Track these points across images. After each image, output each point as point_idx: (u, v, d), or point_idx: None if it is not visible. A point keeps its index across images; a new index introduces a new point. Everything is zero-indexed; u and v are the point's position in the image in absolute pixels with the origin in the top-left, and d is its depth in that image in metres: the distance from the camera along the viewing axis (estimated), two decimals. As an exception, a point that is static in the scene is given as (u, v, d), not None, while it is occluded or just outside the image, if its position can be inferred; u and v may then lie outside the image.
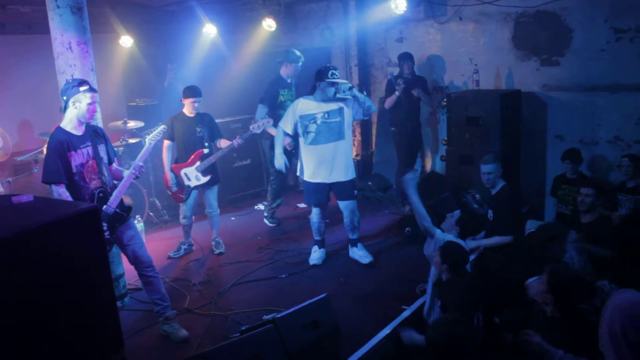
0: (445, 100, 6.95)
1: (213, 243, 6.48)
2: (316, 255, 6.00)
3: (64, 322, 2.43)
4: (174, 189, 6.04)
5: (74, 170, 4.10)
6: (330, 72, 5.44)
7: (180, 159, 6.06)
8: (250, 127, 6.09)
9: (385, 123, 8.22)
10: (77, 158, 4.12)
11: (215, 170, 6.17)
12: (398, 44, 8.10)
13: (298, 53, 6.85)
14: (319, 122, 5.54)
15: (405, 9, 7.16)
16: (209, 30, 8.22)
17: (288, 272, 5.83)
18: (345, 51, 8.57)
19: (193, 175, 6.02)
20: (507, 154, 6.26)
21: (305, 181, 5.80)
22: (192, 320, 4.91)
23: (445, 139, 6.84)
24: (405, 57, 7.29)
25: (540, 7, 6.63)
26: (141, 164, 4.45)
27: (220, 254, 6.40)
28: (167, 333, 4.63)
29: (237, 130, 7.96)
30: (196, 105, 5.98)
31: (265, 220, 7.36)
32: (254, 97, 8.46)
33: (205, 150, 6.03)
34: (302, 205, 7.75)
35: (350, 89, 5.41)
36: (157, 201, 7.54)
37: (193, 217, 6.33)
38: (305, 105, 5.60)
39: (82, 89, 4.07)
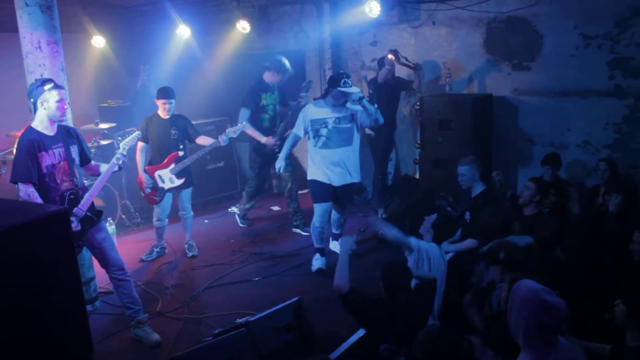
0: (418, 103, 7.02)
1: (186, 246, 6.43)
2: (318, 262, 5.87)
3: (31, 327, 2.39)
4: (148, 191, 5.98)
5: (44, 170, 4.02)
6: (342, 81, 5.41)
7: (155, 161, 6.00)
8: (227, 130, 6.04)
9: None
10: (48, 158, 4.05)
11: (190, 173, 6.11)
12: (372, 47, 8.15)
13: (288, 65, 6.75)
14: (330, 126, 5.57)
15: (379, 13, 7.19)
16: (183, 32, 8.16)
17: (261, 275, 5.80)
18: (319, 54, 8.58)
19: (167, 178, 5.96)
20: (479, 157, 6.32)
21: (312, 180, 5.78)
22: (165, 324, 4.86)
23: (419, 142, 6.90)
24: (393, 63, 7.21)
25: (512, 13, 6.74)
26: (124, 153, 4.39)
27: (193, 256, 6.35)
28: (139, 337, 4.58)
29: (210, 133, 7.87)
30: (167, 107, 5.90)
31: (237, 219, 7.33)
32: (227, 99, 8.45)
33: (180, 153, 5.98)
34: (275, 208, 7.74)
35: (361, 99, 5.33)
36: (129, 203, 7.46)
37: (167, 220, 6.27)
38: (317, 110, 5.64)
39: (46, 87, 3.99)
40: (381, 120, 5.60)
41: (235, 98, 7.01)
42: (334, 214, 6.08)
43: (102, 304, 5.27)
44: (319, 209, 5.82)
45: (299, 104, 6.63)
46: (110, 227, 6.38)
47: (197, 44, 8.52)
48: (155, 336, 4.57)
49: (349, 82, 5.43)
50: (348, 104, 5.51)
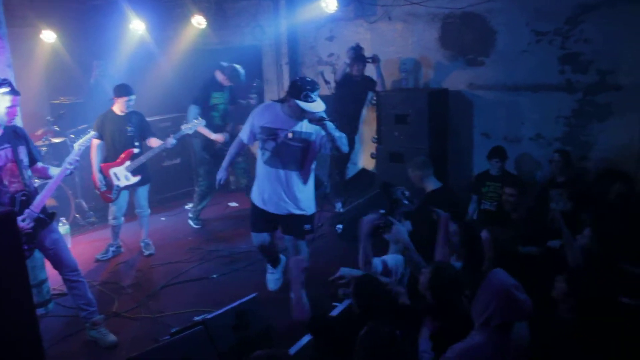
0: (374, 98, 7.06)
1: (142, 244, 6.34)
2: (272, 277, 5.34)
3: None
4: (103, 188, 5.86)
5: None
6: (304, 94, 4.32)
7: (110, 158, 5.89)
8: (182, 127, 6.00)
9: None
10: None
11: (146, 170, 6.03)
12: (328, 42, 8.16)
13: (242, 75, 6.71)
14: (279, 140, 4.60)
15: (336, 8, 7.21)
16: (137, 26, 8.01)
17: (219, 272, 5.77)
18: (276, 49, 8.55)
19: (122, 175, 5.86)
20: (435, 152, 6.43)
21: (251, 200, 5.03)
22: (121, 325, 4.79)
23: (375, 136, 6.95)
24: (357, 59, 6.96)
25: (466, 9, 6.84)
26: (77, 158, 4.24)
27: (150, 255, 6.26)
28: (95, 339, 4.50)
29: (167, 129, 7.79)
30: (131, 103, 5.84)
31: (190, 222, 7.24)
32: (184, 95, 8.33)
33: (136, 150, 5.89)
34: (233, 204, 7.69)
35: (322, 119, 4.33)
36: (83, 202, 7.30)
37: (123, 218, 6.16)
38: (269, 116, 4.69)
39: (2, 91, 3.87)
40: (345, 148, 4.57)
41: (190, 94, 6.92)
42: (290, 250, 5.02)
43: (56, 306, 5.16)
44: (253, 238, 5.11)
45: (249, 104, 6.63)
46: (64, 226, 6.25)
47: (152, 39, 8.37)
48: (112, 337, 4.50)
49: (313, 96, 4.35)
50: (306, 122, 4.55)
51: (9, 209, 2.49)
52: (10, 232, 2.51)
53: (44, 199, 4.13)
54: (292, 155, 4.64)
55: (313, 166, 4.82)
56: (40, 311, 4.93)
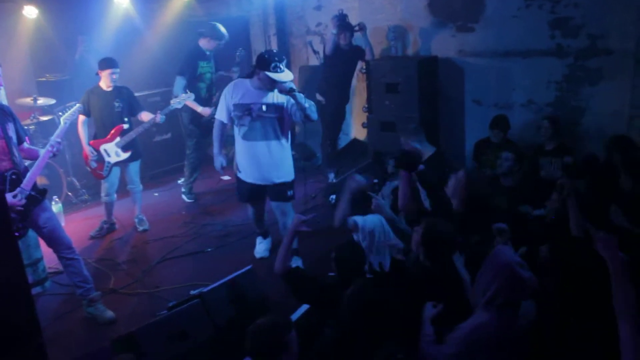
0: (364, 67, 7.01)
1: (136, 220, 6.33)
2: (261, 247, 5.53)
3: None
4: (94, 165, 5.83)
5: None
6: (273, 65, 4.49)
7: (99, 135, 5.85)
8: (171, 101, 5.97)
9: (308, 92, 8.20)
10: None
11: (136, 146, 5.99)
12: (316, 11, 8.06)
13: (223, 30, 6.60)
14: (254, 114, 4.76)
15: (323, -24, 7.10)
16: (121, 0, 7.87)
17: (214, 245, 5.80)
18: (263, 20, 8.45)
19: (113, 152, 5.82)
20: (426, 119, 6.41)
21: (236, 177, 5.21)
22: (118, 301, 4.82)
23: (366, 106, 6.92)
24: (343, 28, 6.87)
25: (455, -26, 6.76)
26: (59, 140, 4.21)
27: (144, 230, 6.26)
28: (92, 315, 4.52)
29: (156, 104, 7.72)
30: (114, 77, 5.75)
31: (183, 196, 7.23)
32: (171, 69, 8.22)
33: (125, 126, 5.85)
34: (225, 177, 7.66)
35: (291, 90, 4.53)
36: (75, 180, 7.25)
37: (115, 195, 6.14)
38: (240, 92, 4.81)
39: None
40: (314, 116, 4.77)
41: (176, 66, 6.85)
42: (278, 221, 5.26)
43: (52, 285, 5.19)
44: (247, 209, 5.42)
45: (231, 78, 6.55)
46: (57, 205, 6.22)
47: (136, 13, 8.22)
48: (109, 313, 4.53)
49: (281, 66, 4.52)
50: (276, 92, 4.71)
51: (-3, 188, 2.47)
52: None
53: (33, 176, 4.09)
54: (268, 126, 4.80)
55: (289, 134, 5.01)
56: (36, 290, 4.94)
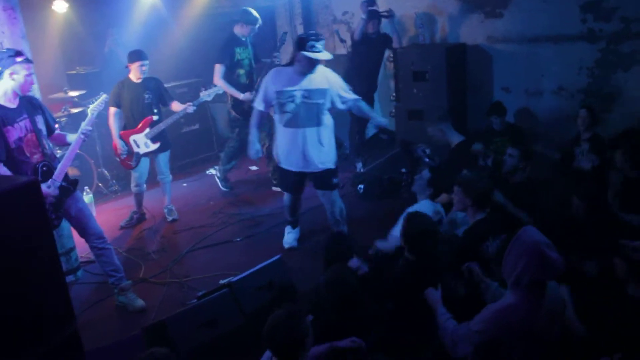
0: (391, 55, 6.95)
1: (165, 210, 6.40)
2: (290, 237, 5.47)
3: (8, 301, 2.37)
4: (123, 156, 5.90)
5: (12, 145, 3.91)
6: (309, 43, 4.42)
7: (129, 126, 5.90)
8: (201, 93, 5.97)
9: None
10: (15, 132, 3.93)
11: (165, 137, 6.04)
12: (342, 0, 8.01)
13: (255, 14, 6.54)
14: (297, 101, 4.70)
15: (349, -36, 7.05)
16: (148, -8, 7.92)
17: (242, 235, 5.82)
18: (290, 9, 8.43)
19: (142, 142, 5.88)
20: (454, 107, 6.35)
21: (277, 166, 5.21)
22: (149, 290, 4.87)
23: (394, 94, 6.87)
24: (372, 15, 6.82)
25: (483, -42, 6.64)
26: (89, 127, 4.28)
27: (174, 220, 6.32)
28: (124, 304, 4.59)
29: (184, 95, 7.78)
30: (144, 69, 5.77)
31: (219, 183, 7.25)
32: (198, 59, 8.28)
33: (155, 117, 5.89)
34: (254, 167, 7.69)
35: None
36: (105, 171, 7.36)
37: (145, 185, 6.21)
38: (283, 79, 4.75)
39: (19, 59, 3.86)
40: (381, 121, 5.11)
41: (205, 58, 6.85)
42: (326, 210, 5.24)
43: (84, 274, 5.27)
44: (285, 196, 5.32)
45: (273, 62, 6.52)
46: (88, 195, 6.31)
47: (163, 5, 8.28)
48: (140, 302, 4.58)
49: (318, 45, 4.48)
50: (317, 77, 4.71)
51: (31, 178, 2.52)
52: (34, 200, 2.54)
53: (64, 168, 4.16)
54: (311, 112, 4.75)
55: (331, 120, 4.96)
56: (69, 278, 5.03)
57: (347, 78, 7.16)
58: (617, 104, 6.17)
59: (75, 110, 7.13)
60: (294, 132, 4.81)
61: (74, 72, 8.18)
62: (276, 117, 4.92)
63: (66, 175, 4.21)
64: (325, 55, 4.54)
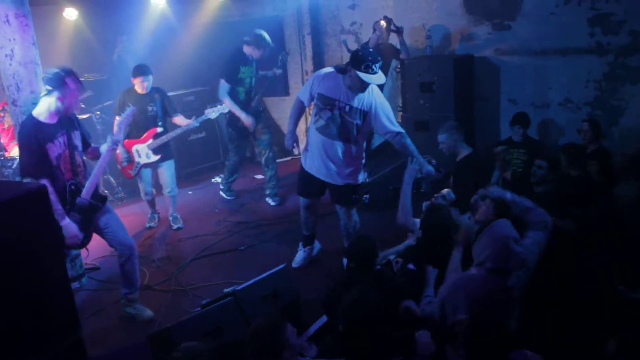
0: (399, 66, 6.96)
1: (170, 218, 6.41)
2: (300, 255, 5.26)
3: (14, 306, 2.37)
4: (124, 164, 5.94)
5: (54, 162, 3.90)
6: (365, 64, 4.23)
7: (132, 135, 5.93)
8: (206, 111, 6.05)
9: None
10: (55, 149, 3.90)
11: (167, 148, 6.07)
12: (351, 10, 8.04)
13: (268, 39, 6.50)
14: (335, 111, 4.51)
15: (357, -25, 7.07)
16: (157, 1, 7.98)
17: (247, 244, 5.82)
18: (298, 19, 8.46)
19: (144, 153, 5.94)
20: (461, 119, 6.32)
21: (301, 166, 4.98)
22: (153, 297, 4.87)
23: (400, 105, 6.87)
24: (377, 22, 6.82)
25: (491, -29, 6.66)
26: (121, 136, 4.26)
27: (179, 229, 6.33)
28: (131, 315, 4.53)
29: (191, 103, 7.84)
30: (145, 84, 5.83)
31: (222, 194, 7.29)
32: (206, 68, 8.32)
33: (159, 129, 5.95)
34: (259, 176, 7.71)
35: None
36: (111, 178, 7.39)
37: (154, 191, 6.33)
38: (331, 84, 4.54)
39: (72, 86, 3.84)
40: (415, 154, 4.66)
41: (213, 67, 6.89)
42: (340, 221, 5.07)
43: (89, 281, 5.27)
44: (301, 202, 5.13)
45: (274, 74, 6.58)
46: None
47: (172, 13, 8.34)
48: (148, 312, 4.55)
49: (374, 67, 4.26)
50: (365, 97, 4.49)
51: (39, 184, 2.53)
52: (42, 207, 2.55)
53: (92, 185, 4.10)
54: (347, 128, 4.56)
55: (363, 141, 4.78)
56: (74, 285, 5.02)
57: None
58: (624, 117, 6.16)
59: (82, 117, 7.16)
60: (324, 141, 4.64)
61: (82, 78, 8.17)
62: (312, 117, 4.74)
63: (96, 190, 4.16)
64: (379, 79, 4.34)
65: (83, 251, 5.15)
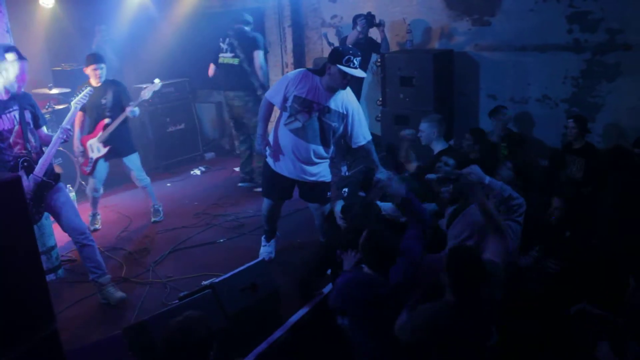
0: (379, 60, 6.97)
1: (152, 210, 6.32)
2: (266, 250, 5.21)
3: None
4: (80, 160, 5.88)
5: None
6: (346, 57, 4.16)
7: (89, 130, 5.82)
8: (141, 93, 5.83)
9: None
10: (2, 124, 3.97)
11: (121, 140, 5.80)
12: (331, 4, 8.02)
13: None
14: (314, 114, 4.42)
15: (339, -32, 7.05)
16: (137, -10, 7.89)
17: (226, 236, 5.80)
18: (279, 11, 8.41)
19: (95, 147, 5.76)
20: (441, 113, 6.34)
21: (266, 165, 4.86)
22: (130, 290, 4.84)
23: (380, 99, 6.89)
24: (368, 20, 6.78)
25: (472, -33, 6.69)
26: (68, 126, 4.28)
27: (156, 222, 6.26)
28: (105, 298, 4.57)
29: (170, 94, 7.78)
30: (98, 72, 5.59)
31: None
32: (185, 59, 8.25)
33: (107, 120, 5.69)
34: (237, 169, 7.68)
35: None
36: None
37: (102, 190, 6.08)
38: (308, 86, 4.43)
39: (9, 57, 3.85)
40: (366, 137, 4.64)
41: (192, 58, 6.84)
42: (315, 219, 5.11)
43: (65, 272, 5.21)
44: (265, 204, 5.05)
45: None
46: (70, 194, 6.23)
47: (152, 3, 8.25)
48: (120, 293, 4.60)
49: (356, 62, 4.22)
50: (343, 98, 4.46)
51: (14, 175, 2.50)
52: (16, 198, 2.51)
53: (45, 163, 4.17)
54: (324, 132, 4.51)
55: (332, 146, 4.74)
56: (49, 277, 4.97)
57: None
58: (601, 114, 6.24)
59: (59, 107, 7.07)
60: (296, 142, 4.53)
61: (59, 68, 8.10)
62: (284, 116, 4.57)
63: (48, 170, 4.20)
64: (361, 73, 4.32)
65: (59, 243, 5.13)
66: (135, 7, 8.16)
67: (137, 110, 5.75)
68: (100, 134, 5.72)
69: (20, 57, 3.93)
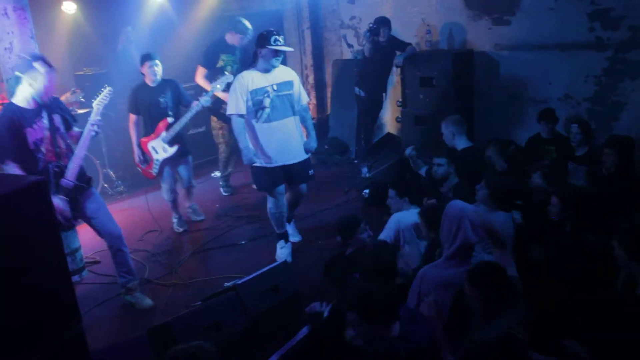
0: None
1: (189, 210, 6.38)
2: (284, 252, 5.28)
3: (14, 300, 2.37)
4: (143, 166, 5.73)
5: (32, 147, 4.01)
6: (273, 38, 4.71)
7: (148, 132, 5.70)
8: (211, 85, 5.81)
9: (341, 86, 8.19)
10: (34, 134, 4.01)
11: (182, 140, 5.76)
12: (350, 5, 8.03)
13: (247, 25, 6.42)
14: (272, 95, 4.86)
15: (357, -30, 7.06)
16: (156, -6, 7.97)
17: (248, 238, 5.82)
18: (297, 14, 8.45)
19: (160, 147, 5.63)
20: (461, 114, 6.32)
21: (253, 167, 5.06)
22: (153, 291, 4.89)
23: (400, 100, 6.87)
24: (381, 22, 6.73)
25: (491, -34, 6.65)
26: (98, 117, 4.23)
27: (200, 220, 6.35)
28: (131, 303, 4.61)
29: (190, 97, 7.78)
30: (155, 69, 5.55)
31: (221, 190, 7.28)
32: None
33: (170, 119, 5.61)
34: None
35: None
36: (111, 172, 7.38)
37: (176, 192, 6.05)
38: (252, 79, 4.85)
39: (39, 68, 3.88)
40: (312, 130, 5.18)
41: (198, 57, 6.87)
42: (291, 199, 5.41)
43: (89, 274, 5.28)
44: (269, 197, 5.20)
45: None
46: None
47: (171, 7, 8.32)
48: (148, 300, 4.63)
49: (281, 39, 4.75)
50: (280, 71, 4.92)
51: (40, 178, 2.53)
52: (41, 200, 2.54)
53: (75, 167, 4.18)
54: (284, 103, 4.95)
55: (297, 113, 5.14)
56: (74, 279, 5.03)
57: (359, 84, 7.17)
58: (624, 112, 6.16)
59: (82, 111, 7.14)
60: (274, 127, 4.93)
61: (81, 72, 8.21)
62: (253, 120, 4.92)
63: (79, 172, 4.22)
64: (288, 48, 4.90)
65: (83, 245, 5.20)
66: (155, 12, 8.24)
67: (209, 100, 5.64)
68: (163, 133, 5.60)
69: (49, 66, 3.94)
